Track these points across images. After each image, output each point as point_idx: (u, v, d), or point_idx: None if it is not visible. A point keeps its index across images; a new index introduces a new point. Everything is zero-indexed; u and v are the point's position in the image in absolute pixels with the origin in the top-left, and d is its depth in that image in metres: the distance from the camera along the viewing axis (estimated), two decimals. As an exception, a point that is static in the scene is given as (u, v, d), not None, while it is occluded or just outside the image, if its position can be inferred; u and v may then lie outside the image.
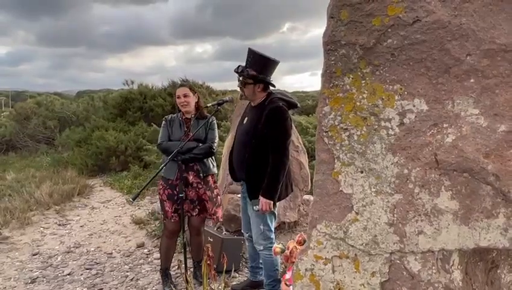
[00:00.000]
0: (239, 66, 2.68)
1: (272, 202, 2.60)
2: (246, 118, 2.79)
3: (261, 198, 2.59)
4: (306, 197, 4.54)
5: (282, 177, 2.59)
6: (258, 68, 2.60)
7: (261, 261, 3.00)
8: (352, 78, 1.34)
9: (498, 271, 1.47)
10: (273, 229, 2.80)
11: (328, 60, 1.37)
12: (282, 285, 2.59)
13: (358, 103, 1.34)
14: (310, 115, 9.47)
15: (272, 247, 2.75)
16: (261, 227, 2.71)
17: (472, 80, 1.18)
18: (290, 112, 2.72)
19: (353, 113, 1.35)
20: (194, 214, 3.09)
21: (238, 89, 2.82)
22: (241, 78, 2.68)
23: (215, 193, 3.18)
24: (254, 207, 2.62)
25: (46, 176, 7.03)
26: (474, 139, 1.19)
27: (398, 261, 1.33)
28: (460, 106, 1.20)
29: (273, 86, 2.74)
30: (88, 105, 12.54)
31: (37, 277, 3.61)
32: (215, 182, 3.22)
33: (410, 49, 1.23)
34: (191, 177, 3.06)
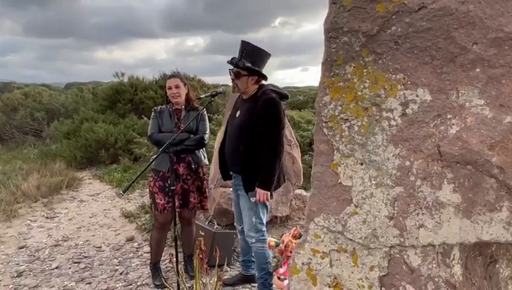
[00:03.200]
0: (233, 57, 2.65)
1: (269, 193, 2.58)
2: (238, 111, 2.76)
3: (257, 189, 2.57)
4: (298, 191, 4.52)
5: (278, 167, 2.59)
6: (252, 60, 2.59)
7: (253, 254, 2.97)
8: (353, 67, 1.30)
9: (496, 266, 1.46)
10: (264, 222, 2.78)
11: (329, 47, 1.32)
12: (275, 279, 2.56)
13: (359, 93, 1.30)
14: (302, 110, 9.46)
15: (263, 239, 2.73)
16: (253, 219, 2.69)
17: (478, 70, 1.15)
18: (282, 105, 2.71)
19: (354, 103, 1.31)
20: (176, 206, 3.04)
21: (230, 82, 2.78)
22: (234, 70, 2.64)
23: (204, 184, 3.15)
24: (251, 199, 2.61)
25: (33, 168, 6.89)
26: (479, 131, 1.16)
27: (398, 256, 1.30)
28: (465, 97, 1.17)
29: (266, 78, 2.72)
30: (77, 97, 12.34)
31: (24, 271, 3.52)
32: (204, 174, 3.19)
33: (414, 37, 1.19)
34: (181, 169, 3.01)
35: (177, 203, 3.02)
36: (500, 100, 1.14)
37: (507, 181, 1.14)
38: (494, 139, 1.14)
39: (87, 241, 4.22)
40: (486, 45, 1.13)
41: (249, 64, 2.58)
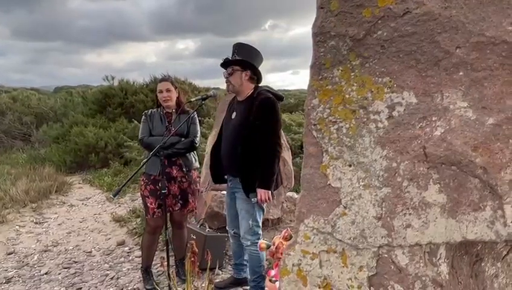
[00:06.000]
0: (225, 57, 2.67)
1: (270, 192, 2.59)
2: (234, 113, 2.77)
3: (258, 189, 2.57)
4: (289, 194, 4.54)
5: (277, 166, 2.60)
6: (245, 55, 2.61)
7: (245, 258, 2.97)
8: (341, 71, 1.32)
9: (482, 264, 1.49)
10: (260, 224, 2.79)
11: (317, 51, 1.35)
12: (267, 281, 2.57)
13: (347, 96, 1.33)
14: (293, 113, 9.50)
15: (258, 243, 2.74)
16: (250, 222, 2.70)
17: (461, 73, 1.18)
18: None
19: (342, 106, 1.34)
20: (176, 208, 3.05)
21: (224, 85, 2.80)
22: (227, 69, 2.66)
23: (197, 187, 3.17)
24: (252, 199, 2.61)
25: (22, 173, 6.81)
26: (463, 132, 1.19)
27: (386, 255, 1.32)
28: (449, 99, 1.20)
29: (260, 77, 2.73)
30: (66, 101, 12.23)
31: (12, 277, 3.48)
32: (197, 177, 3.20)
33: (400, 41, 1.22)
34: (174, 172, 3.02)
35: (172, 203, 3.02)
36: (482, 102, 1.17)
37: (490, 181, 1.17)
38: (477, 140, 1.18)
39: (77, 246, 4.19)
40: (469, 48, 1.16)
41: (240, 57, 2.61)
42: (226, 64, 2.68)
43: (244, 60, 2.63)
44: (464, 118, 1.19)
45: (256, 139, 2.57)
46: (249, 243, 2.74)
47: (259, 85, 2.77)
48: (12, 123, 11.09)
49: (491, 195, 1.19)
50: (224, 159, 2.78)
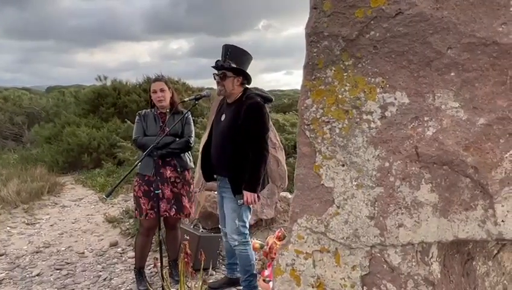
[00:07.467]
0: (217, 60, 2.67)
1: (256, 195, 2.62)
2: (223, 115, 2.78)
3: (244, 192, 2.60)
4: (283, 194, 4.54)
5: (263, 170, 2.63)
6: (237, 61, 2.62)
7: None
8: (334, 71, 1.33)
9: (473, 263, 1.50)
10: (247, 224, 2.80)
11: (310, 51, 1.35)
12: (260, 282, 2.57)
13: (340, 96, 1.33)
14: (287, 113, 9.51)
15: (246, 242, 2.76)
16: (236, 222, 2.72)
17: (452, 74, 1.19)
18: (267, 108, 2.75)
19: (335, 106, 1.34)
20: (172, 213, 3.03)
21: (215, 86, 2.80)
22: (219, 72, 2.66)
23: (191, 188, 3.15)
24: (239, 201, 2.64)
25: (13, 174, 6.74)
26: (454, 132, 1.20)
27: (379, 255, 1.33)
28: (440, 99, 1.21)
29: (251, 80, 2.74)
30: (59, 100, 12.14)
31: (3, 279, 3.44)
32: (191, 178, 3.19)
33: (392, 42, 1.23)
34: (168, 173, 3.00)
35: (167, 207, 3.00)
36: (473, 103, 1.18)
37: (481, 180, 1.18)
38: (469, 140, 1.19)
39: (69, 247, 4.15)
40: (460, 49, 1.17)
41: (234, 65, 2.61)
42: (218, 67, 2.68)
43: (238, 68, 2.63)
44: (455, 118, 1.20)
45: (244, 142, 2.59)
46: (236, 243, 2.76)
47: (249, 87, 2.78)
48: (3, 123, 10.98)
49: (482, 194, 1.20)
50: (213, 159, 2.80)
